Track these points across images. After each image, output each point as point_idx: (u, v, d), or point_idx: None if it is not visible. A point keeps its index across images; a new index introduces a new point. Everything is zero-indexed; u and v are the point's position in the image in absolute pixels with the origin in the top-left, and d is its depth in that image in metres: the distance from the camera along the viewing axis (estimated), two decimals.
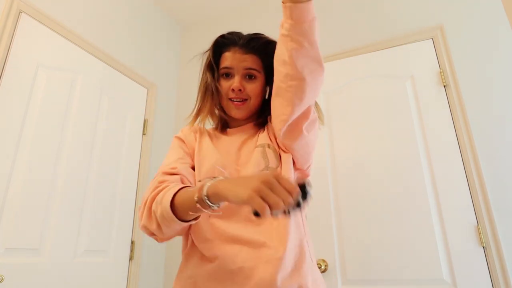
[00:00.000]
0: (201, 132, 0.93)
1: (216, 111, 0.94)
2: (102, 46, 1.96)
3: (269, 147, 0.82)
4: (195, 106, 0.92)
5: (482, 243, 1.49)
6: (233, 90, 0.85)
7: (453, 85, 1.73)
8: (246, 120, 0.91)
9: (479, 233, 1.50)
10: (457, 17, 1.83)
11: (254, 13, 2.43)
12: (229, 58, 0.87)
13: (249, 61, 0.85)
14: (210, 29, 2.57)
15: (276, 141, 0.83)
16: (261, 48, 0.87)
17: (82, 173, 1.72)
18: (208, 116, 0.92)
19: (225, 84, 0.87)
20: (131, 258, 1.92)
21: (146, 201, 0.73)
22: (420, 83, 1.81)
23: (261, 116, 0.91)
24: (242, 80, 0.86)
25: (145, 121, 2.19)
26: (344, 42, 2.06)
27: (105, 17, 2.04)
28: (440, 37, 1.82)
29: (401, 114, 1.80)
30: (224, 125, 0.95)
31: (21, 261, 1.40)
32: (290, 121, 0.74)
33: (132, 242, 1.94)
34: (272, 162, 0.79)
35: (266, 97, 0.90)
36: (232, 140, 0.88)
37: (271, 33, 0.93)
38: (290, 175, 0.77)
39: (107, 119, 1.92)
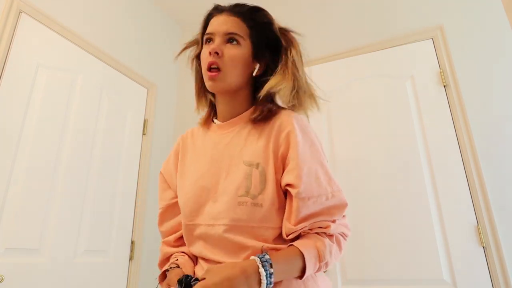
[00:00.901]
0: (184, 143, 0.88)
1: (208, 98, 0.86)
2: (102, 46, 1.96)
3: (257, 167, 0.70)
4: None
5: (482, 243, 1.49)
6: (210, 53, 0.74)
7: (453, 85, 1.73)
8: (234, 108, 0.80)
9: (479, 233, 1.50)
10: (457, 17, 1.83)
11: None
12: (211, 24, 0.78)
13: (230, 24, 0.76)
14: None
15: (275, 158, 0.71)
16: (246, 13, 0.78)
17: (82, 173, 1.72)
18: (201, 101, 0.86)
19: (204, 52, 0.77)
20: (131, 258, 1.92)
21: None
22: (420, 83, 1.81)
23: (257, 104, 0.78)
24: (222, 45, 0.75)
25: (145, 121, 2.19)
26: (344, 42, 2.06)
27: (105, 17, 2.04)
28: (440, 37, 1.83)
29: (401, 114, 1.80)
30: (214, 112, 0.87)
31: (21, 261, 1.40)
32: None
33: (132, 242, 1.94)
34: (255, 188, 0.68)
35: (255, 74, 0.78)
36: (214, 140, 0.80)
37: None
38: (272, 204, 0.68)
39: (107, 119, 1.92)
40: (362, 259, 1.66)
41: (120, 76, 2.07)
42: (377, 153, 1.79)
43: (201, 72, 0.81)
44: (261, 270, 0.59)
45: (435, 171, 1.65)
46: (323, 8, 2.20)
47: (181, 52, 0.90)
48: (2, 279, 1.31)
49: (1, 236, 1.35)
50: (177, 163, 0.87)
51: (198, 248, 0.74)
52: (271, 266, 0.60)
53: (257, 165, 0.71)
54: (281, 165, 0.71)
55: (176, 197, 0.83)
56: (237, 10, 0.78)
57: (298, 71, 0.77)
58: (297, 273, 0.64)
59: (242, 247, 0.68)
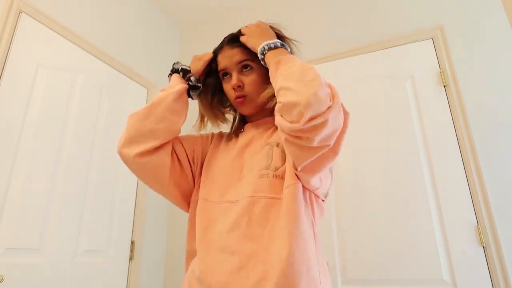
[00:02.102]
0: (219, 138, 0.94)
1: (227, 115, 0.94)
2: (102, 46, 1.96)
3: (277, 145, 0.78)
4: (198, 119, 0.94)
5: (482, 243, 1.49)
6: (234, 89, 0.84)
7: (453, 85, 1.73)
8: (265, 113, 0.87)
9: (479, 233, 1.50)
10: (457, 17, 1.83)
11: (254, 13, 2.43)
12: (221, 60, 0.87)
13: (238, 54, 0.84)
14: (210, 29, 2.57)
15: None
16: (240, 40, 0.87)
17: (82, 173, 1.72)
18: (216, 120, 0.92)
19: (227, 86, 0.87)
20: (131, 258, 1.92)
21: None
22: (420, 83, 1.81)
23: None
24: (239, 75, 0.84)
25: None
26: (344, 42, 2.06)
27: (105, 17, 2.04)
28: (440, 37, 1.82)
29: (401, 114, 1.80)
30: (244, 121, 0.94)
31: (21, 261, 1.40)
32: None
33: (132, 242, 1.94)
34: (276, 161, 0.75)
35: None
36: (244, 137, 0.87)
37: None
38: (292, 180, 0.71)
39: (107, 119, 1.92)
40: (362, 259, 1.66)
41: (120, 76, 2.07)
42: (377, 153, 1.79)
43: (211, 98, 0.91)
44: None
45: (435, 171, 1.65)
46: (323, 8, 2.20)
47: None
48: (2, 279, 1.31)
49: (1, 236, 1.35)
50: (206, 144, 0.93)
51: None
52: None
53: (278, 144, 0.78)
54: None
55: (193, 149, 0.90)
56: (233, 41, 0.86)
57: None
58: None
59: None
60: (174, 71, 0.95)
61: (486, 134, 1.61)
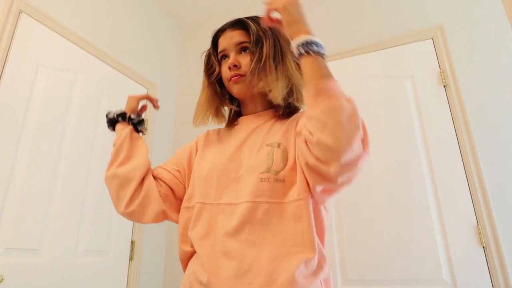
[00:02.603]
0: (207, 137, 0.92)
1: (223, 110, 0.92)
2: (102, 46, 1.96)
3: (278, 146, 0.74)
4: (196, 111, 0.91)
5: (482, 243, 1.49)
6: (229, 68, 0.82)
7: (453, 85, 1.73)
8: (262, 105, 0.85)
9: (479, 233, 1.50)
10: (457, 17, 1.83)
11: (254, 14, 2.43)
12: (221, 42, 0.86)
13: (238, 36, 0.83)
14: (210, 30, 2.55)
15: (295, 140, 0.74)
16: (245, 24, 0.85)
17: (82, 173, 1.72)
18: (212, 116, 0.89)
19: (223, 67, 0.85)
20: (131, 258, 1.92)
21: None
22: (420, 83, 1.81)
23: (284, 106, 0.82)
24: (237, 56, 0.83)
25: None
26: (344, 42, 2.06)
27: (105, 17, 2.04)
28: (440, 37, 1.83)
29: (401, 114, 1.80)
30: (238, 116, 0.91)
31: (21, 261, 1.40)
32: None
33: (132, 242, 1.94)
34: (277, 164, 0.72)
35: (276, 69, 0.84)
36: (240, 133, 0.84)
37: None
38: (303, 193, 0.69)
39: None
40: (362, 259, 1.66)
41: (120, 76, 2.07)
42: (377, 153, 1.79)
43: (218, 91, 0.88)
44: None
45: (435, 171, 1.65)
46: (323, 8, 2.20)
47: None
48: (2, 279, 1.31)
49: (1, 236, 1.35)
50: (190, 156, 0.90)
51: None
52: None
53: (279, 144, 0.75)
54: None
55: (171, 170, 0.87)
56: (239, 23, 0.85)
57: (289, 69, 0.80)
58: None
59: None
60: (111, 121, 0.94)
61: (486, 134, 1.61)
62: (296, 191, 0.69)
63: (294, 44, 0.69)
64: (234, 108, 0.91)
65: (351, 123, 0.61)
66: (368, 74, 1.94)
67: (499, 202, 1.51)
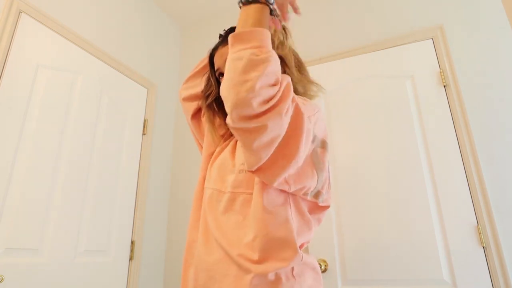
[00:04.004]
0: None
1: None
2: (102, 46, 1.96)
3: None
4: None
5: (482, 243, 1.49)
6: None
7: (453, 85, 1.73)
8: None
9: (479, 233, 1.50)
10: (457, 17, 1.83)
11: None
12: (215, 60, 0.88)
13: (227, 51, 0.82)
14: (210, 29, 2.57)
15: None
16: None
17: (82, 173, 1.72)
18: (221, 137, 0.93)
19: None
20: (131, 258, 1.92)
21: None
22: (420, 83, 1.81)
23: None
24: None
25: (145, 121, 2.19)
26: (344, 42, 2.06)
27: (105, 17, 2.04)
28: (440, 37, 1.82)
29: (401, 114, 1.80)
30: None
31: (21, 261, 1.40)
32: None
33: (132, 242, 1.94)
34: None
35: None
36: None
37: None
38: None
39: (107, 119, 1.92)
40: (362, 259, 1.66)
41: (120, 76, 2.07)
42: (377, 153, 1.79)
43: (216, 110, 0.93)
44: None
45: (435, 171, 1.65)
46: (322, 8, 2.20)
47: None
48: (2, 279, 1.31)
49: (1, 236, 1.35)
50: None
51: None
52: None
53: None
54: None
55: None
56: (225, 40, 0.85)
57: (286, 67, 0.81)
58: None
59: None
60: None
61: (486, 134, 1.61)
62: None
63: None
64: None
65: (247, 78, 0.56)
66: (368, 74, 1.94)
67: (499, 202, 1.51)
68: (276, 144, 0.61)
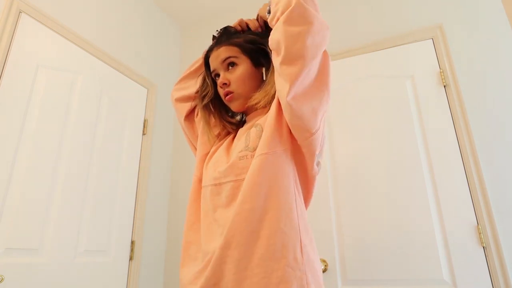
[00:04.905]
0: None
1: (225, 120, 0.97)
2: (102, 46, 1.96)
3: (255, 126, 0.80)
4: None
5: (482, 243, 1.49)
6: (220, 87, 0.87)
7: (453, 85, 1.73)
8: (256, 110, 0.89)
9: (479, 233, 1.50)
10: (457, 16, 1.83)
11: (254, 14, 2.43)
12: (211, 62, 0.90)
13: (222, 52, 0.86)
14: (210, 29, 2.57)
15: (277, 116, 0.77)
16: (227, 38, 0.89)
17: (82, 173, 1.72)
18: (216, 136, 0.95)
19: (218, 87, 0.90)
20: (131, 258, 1.92)
21: None
22: (420, 83, 1.81)
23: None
24: (226, 73, 0.86)
25: (145, 121, 2.19)
26: (344, 42, 2.06)
27: (105, 17, 2.04)
28: (440, 37, 1.82)
29: (401, 114, 1.80)
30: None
31: (21, 261, 1.40)
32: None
33: (132, 242, 1.94)
34: (253, 141, 0.77)
35: (265, 78, 0.87)
36: (242, 129, 0.89)
37: None
38: (268, 147, 0.72)
39: (107, 119, 1.92)
40: (362, 259, 1.66)
41: (120, 76, 2.07)
42: (377, 153, 1.79)
43: (212, 111, 0.95)
44: None
45: (435, 171, 1.65)
46: (322, 8, 2.20)
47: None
48: (2, 279, 1.31)
49: (1, 236, 1.35)
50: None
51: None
52: None
53: (256, 125, 0.80)
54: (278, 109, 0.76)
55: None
56: (220, 41, 0.89)
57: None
58: None
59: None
60: None
61: (486, 134, 1.61)
62: (261, 149, 0.74)
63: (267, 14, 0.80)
64: (234, 120, 0.97)
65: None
66: (368, 74, 1.94)
67: (499, 202, 1.51)
68: (319, 55, 0.69)
